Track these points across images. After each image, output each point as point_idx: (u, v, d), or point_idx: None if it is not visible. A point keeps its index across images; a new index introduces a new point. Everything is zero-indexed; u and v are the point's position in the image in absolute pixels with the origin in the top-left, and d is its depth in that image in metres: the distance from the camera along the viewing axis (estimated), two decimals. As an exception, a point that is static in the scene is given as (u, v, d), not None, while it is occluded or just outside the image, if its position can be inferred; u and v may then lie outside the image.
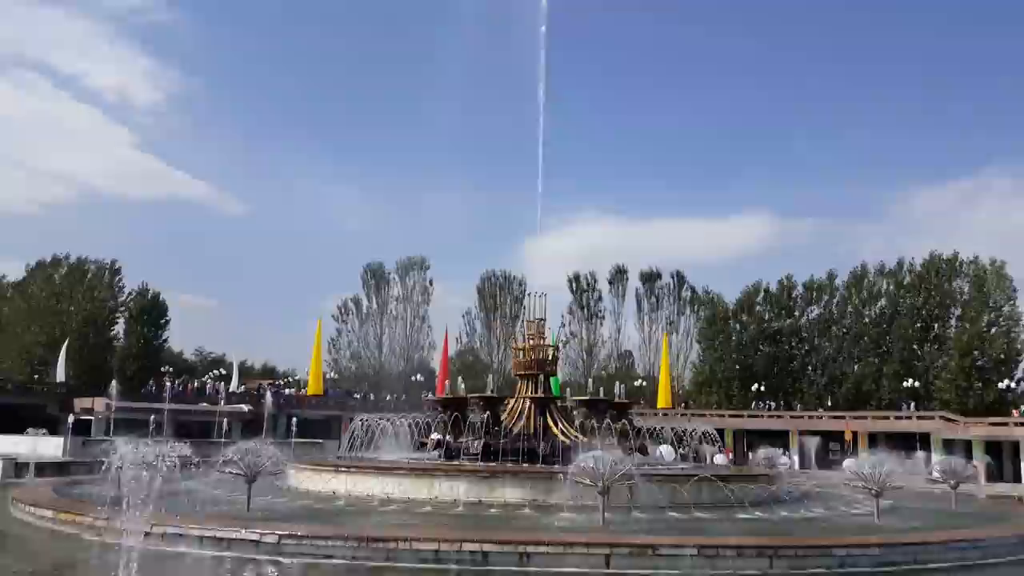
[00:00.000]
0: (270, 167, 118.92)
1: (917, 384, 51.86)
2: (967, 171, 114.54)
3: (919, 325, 56.49)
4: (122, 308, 62.90)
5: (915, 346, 56.17)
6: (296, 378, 67.22)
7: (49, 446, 33.30)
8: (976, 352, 51.18)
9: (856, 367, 57.97)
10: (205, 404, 48.08)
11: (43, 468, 28.40)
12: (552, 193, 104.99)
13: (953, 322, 56.32)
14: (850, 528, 16.02)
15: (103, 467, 7.98)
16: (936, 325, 56.48)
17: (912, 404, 51.26)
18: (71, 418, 37.19)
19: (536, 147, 30.62)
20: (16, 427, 37.01)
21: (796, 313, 62.48)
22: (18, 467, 28.44)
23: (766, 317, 62.57)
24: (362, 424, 26.71)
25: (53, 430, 36.96)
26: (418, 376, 64.36)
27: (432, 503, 17.99)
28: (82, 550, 13.05)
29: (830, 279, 61.97)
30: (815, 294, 62.17)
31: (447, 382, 42.34)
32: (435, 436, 24.11)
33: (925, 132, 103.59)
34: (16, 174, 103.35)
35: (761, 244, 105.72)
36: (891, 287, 59.22)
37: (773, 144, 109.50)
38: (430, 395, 42.71)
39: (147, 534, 11.97)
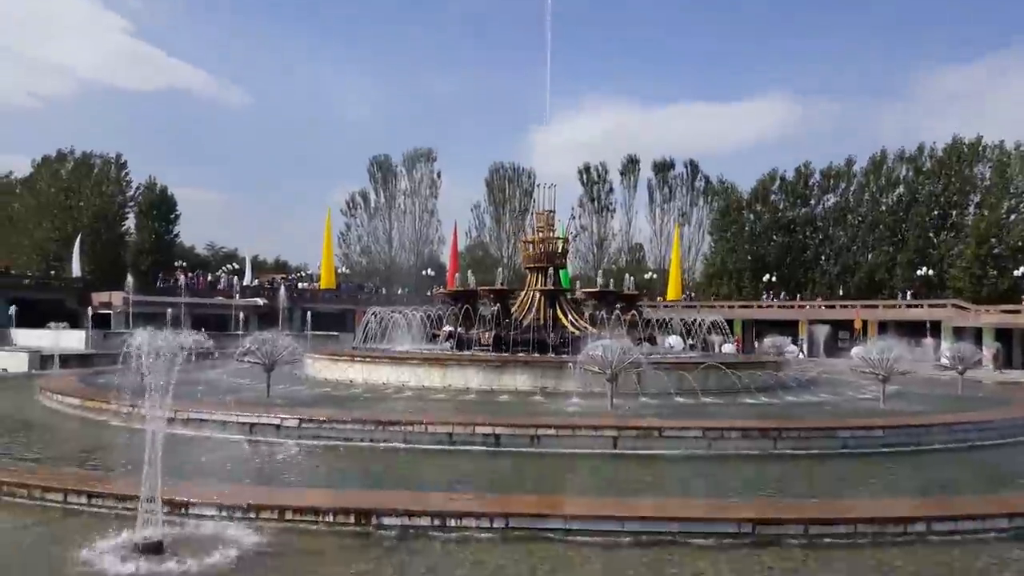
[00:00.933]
0: (269, 53, 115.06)
1: (931, 273, 51.63)
2: (996, 47, 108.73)
3: (936, 212, 55.60)
4: (131, 203, 62.89)
5: (931, 234, 55.54)
6: (308, 272, 67.85)
7: (71, 339, 34.21)
8: (994, 240, 50.53)
9: (870, 256, 57.68)
10: (220, 298, 48.90)
11: (67, 360, 29.34)
12: (562, 79, 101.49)
13: (972, 209, 55.36)
14: (855, 412, 16.32)
15: (125, 356, 8.03)
16: (954, 212, 55.58)
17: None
18: (90, 312, 38.07)
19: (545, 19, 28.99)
20: (37, 321, 38.00)
21: (812, 202, 61.56)
22: (43, 359, 29.36)
23: (781, 206, 61.76)
24: (375, 316, 27.07)
25: (73, 324, 37.82)
26: (428, 271, 64.76)
27: (445, 391, 18.43)
28: (109, 435, 13.58)
29: (848, 166, 60.56)
30: (832, 181, 60.96)
31: (457, 275, 42.62)
32: (447, 328, 24.41)
33: (954, 4, 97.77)
34: (12, 66, 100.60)
35: (778, 130, 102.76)
36: (910, 173, 57.88)
37: (793, 23, 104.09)
38: (441, 288, 43.08)
39: (171, 419, 12.38)
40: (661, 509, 8.23)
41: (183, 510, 7.99)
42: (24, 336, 36.50)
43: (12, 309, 38.87)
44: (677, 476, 10.96)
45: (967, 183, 55.06)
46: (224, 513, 8.00)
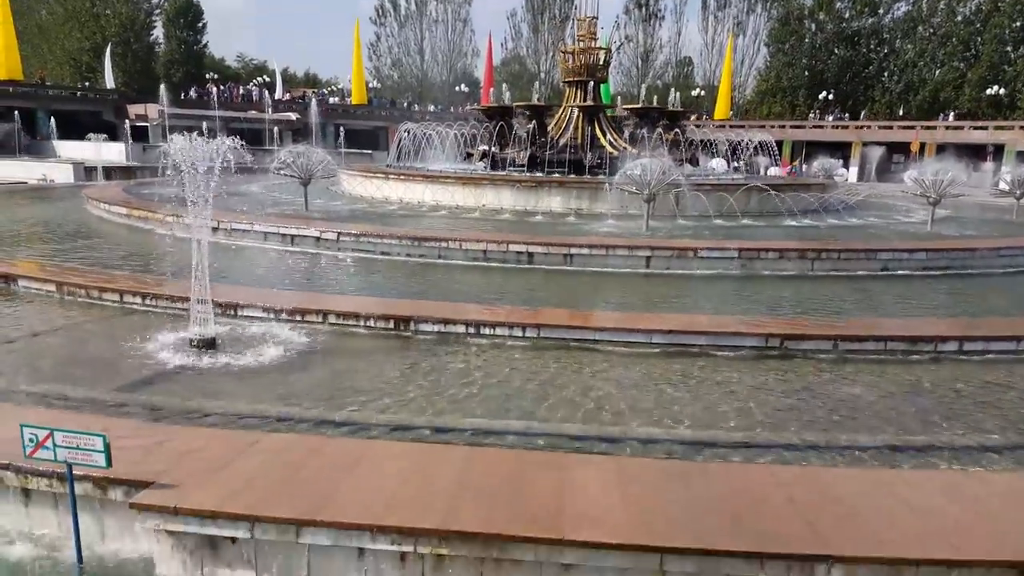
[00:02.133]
0: None
1: (1002, 92, 47.96)
2: None
3: (1019, 24, 50.36)
4: (157, 11, 60.51)
5: (1008, 48, 50.78)
6: (340, 87, 66.00)
7: (112, 152, 34.64)
8: (1079, 55, 46.09)
9: (937, 72, 53.46)
10: (254, 112, 48.28)
11: (110, 172, 29.93)
12: None
13: (1061, 20, 50.00)
14: (900, 236, 15.97)
15: (165, 168, 8.02)
16: (1039, 24, 50.31)
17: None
18: (127, 124, 38.11)
19: None
20: (76, 133, 38.29)
21: (880, 11, 56.14)
22: (87, 170, 29.93)
23: (846, 16, 56.57)
24: (409, 134, 26.57)
25: (112, 136, 38.07)
26: (462, 86, 62.41)
27: (480, 210, 18.44)
28: (156, 242, 14.10)
29: (927, -33, 54.36)
30: (906, -14, 55.11)
31: (492, 91, 40.99)
32: (481, 147, 23.91)
33: None
34: None
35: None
36: (997, -23, 51.76)
37: None
38: (475, 105, 41.69)
39: (214, 230, 12.71)
40: (689, 323, 8.37)
41: (232, 312, 8.41)
42: (66, 148, 37.00)
43: (52, 121, 39.06)
44: (709, 295, 11.06)
45: (1062, -12, 49.27)
46: (271, 315, 8.40)
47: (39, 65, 53.90)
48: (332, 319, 8.34)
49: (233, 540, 3.98)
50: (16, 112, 37.16)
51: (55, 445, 4.05)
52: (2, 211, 18.82)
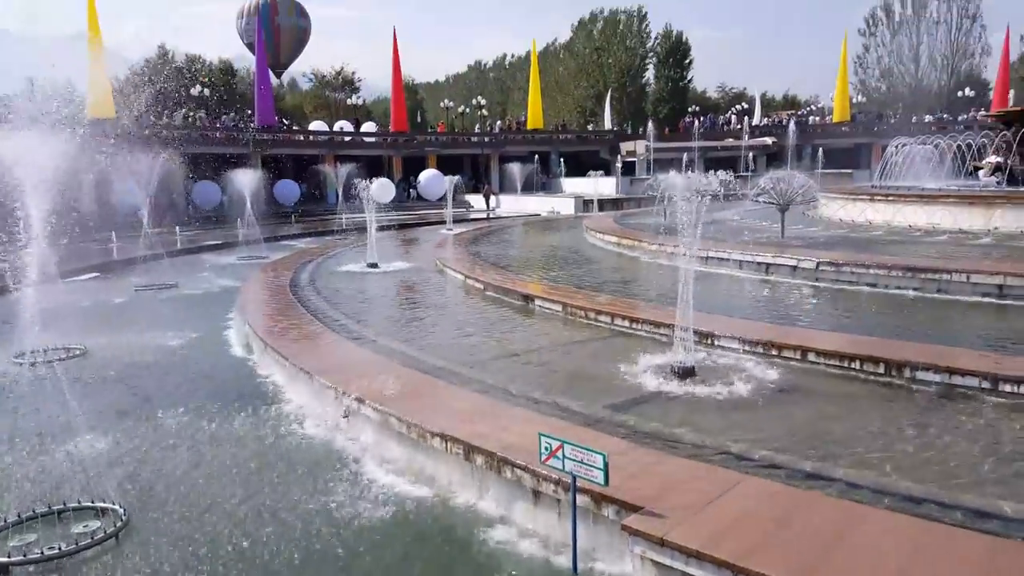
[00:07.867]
0: None
1: None
2: None
3: None
4: (650, 54, 67.03)
5: None
6: (819, 106, 62.54)
7: (605, 185, 39.54)
8: None
9: None
10: (730, 140, 49.25)
11: (603, 204, 34.08)
12: None
13: None
14: None
15: (654, 200, 8.86)
16: None
17: None
18: (619, 160, 42.91)
19: None
20: (578, 170, 44.82)
21: None
22: (585, 203, 34.67)
23: None
24: (898, 149, 23.55)
25: (606, 172, 43.29)
26: (966, 91, 52.62)
27: (992, 234, 15.15)
28: (641, 268, 15.45)
29: None
30: None
31: (1011, 93, 33.67)
32: (992, 159, 19.83)
33: None
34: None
35: None
36: None
37: None
38: (985, 112, 34.76)
39: (699, 257, 13.26)
40: None
41: (708, 341, 8.56)
42: (570, 184, 43.58)
43: (561, 161, 46.48)
44: None
45: None
46: (746, 347, 8.29)
47: (554, 114, 64.89)
48: (811, 356, 7.82)
49: (712, 584, 3.95)
50: (536, 155, 45.33)
51: (564, 456, 4.61)
52: (524, 239, 23.44)
